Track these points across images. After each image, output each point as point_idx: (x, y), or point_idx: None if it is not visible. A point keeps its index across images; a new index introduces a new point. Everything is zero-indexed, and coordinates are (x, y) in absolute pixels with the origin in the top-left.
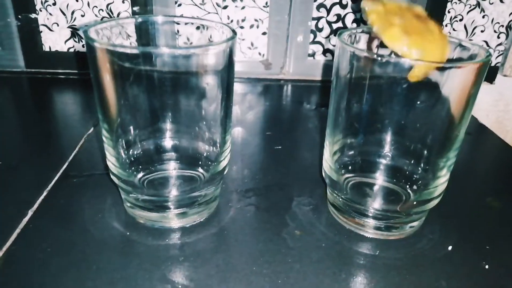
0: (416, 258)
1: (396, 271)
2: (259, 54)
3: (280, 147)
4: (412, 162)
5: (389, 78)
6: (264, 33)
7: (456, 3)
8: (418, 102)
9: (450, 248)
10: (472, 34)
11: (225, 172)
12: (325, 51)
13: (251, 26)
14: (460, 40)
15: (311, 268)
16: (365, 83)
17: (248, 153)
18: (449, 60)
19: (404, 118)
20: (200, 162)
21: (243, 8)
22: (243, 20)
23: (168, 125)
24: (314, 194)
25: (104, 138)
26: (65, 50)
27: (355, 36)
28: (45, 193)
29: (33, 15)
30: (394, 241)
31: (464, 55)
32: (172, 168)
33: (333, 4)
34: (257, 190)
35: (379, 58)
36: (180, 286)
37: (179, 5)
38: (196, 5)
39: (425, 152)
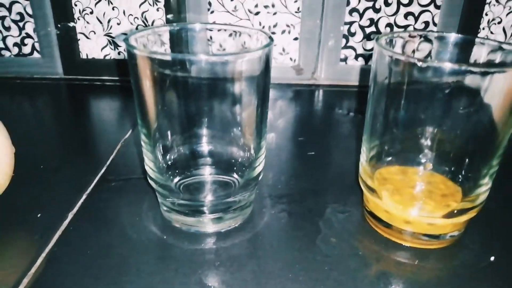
0: (456, 268)
1: (436, 281)
2: (291, 59)
3: (313, 153)
4: (452, 169)
5: (429, 83)
6: (295, 39)
7: (494, 5)
8: (461, 108)
9: (492, 258)
10: None
11: (259, 178)
12: (358, 56)
13: (283, 32)
14: (501, 43)
15: (348, 276)
16: (403, 88)
17: (281, 159)
18: (492, 64)
19: (445, 124)
20: (235, 168)
21: (275, 14)
22: (274, 26)
23: (204, 131)
24: (349, 201)
25: (142, 143)
26: (102, 57)
27: (393, 41)
28: (84, 196)
29: (71, 24)
30: (433, 250)
31: (507, 59)
32: (207, 173)
33: (366, 9)
34: (290, 196)
35: (419, 63)
36: None
37: (212, 12)
38: (228, 11)
39: (467, 159)
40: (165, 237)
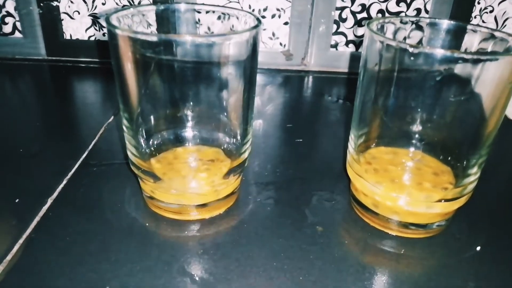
0: (442, 258)
1: (422, 270)
2: (280, 44)
3: (301, 140)
4: (441, 158)
5: (420, 70)
6: (286, 23)
7: None
8: (452, 96)
9: (478, 248)
10: (503, 26)
11: (245, 164)
12: (348, 42)
13: (273, 16)
14: (493, 30)
15: (333, 265)
16: (394, 75)
17: (268, 145)
18: (484, 52)
19: (435, 112)
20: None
21: None
22: (264, 10)
23: (189, 116)
24: (336, 189)
25: (124, 128)
26: (86, 38)
27: (384, 27)
28: (64, 182)
29: (54, 3)
30: (419, 239)
31: (499, 48)
32: (191, 160)
33: None
34: (277, 183)
35: (410, 49)
36: (199, 279)
37: None
38: None
39: (456, 149)
40: (147, 224)
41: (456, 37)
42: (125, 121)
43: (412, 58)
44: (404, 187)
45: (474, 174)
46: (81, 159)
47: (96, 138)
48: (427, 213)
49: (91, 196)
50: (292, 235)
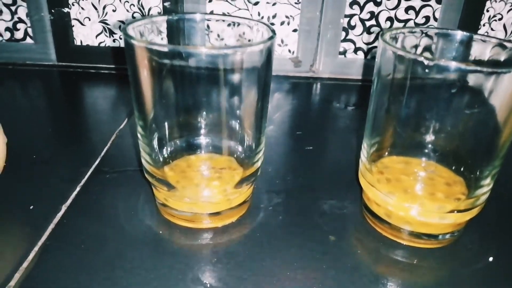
0: (455, 268)
1: (435, 281)
2: (289, 51)
3: (311, 147)
4: (453, 168)
5: (433, 80)
6: (295, 30)
7: (495, 1)
8: (465, 108)
9: (491, 259)
10: None
11: (258, 173)
12: (357, 49)
13: (282, 23)
14: (503, 40)
15: (346, 275)
16: (407, 85)
17: (278, 153)
18: (497, 64)
19: (448, 123)
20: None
21: (274, 4)
22: (273, 17)
23: (202, 124)
24: (347, 198)
25: (139, 135)
26: (96, 44)
27: (397, 37)
28: (78, 189)
29: (65, 10)
30: (432, 249)
31: (509, 57)
32: (205, 168)
33: (367, 1)
34: (288, 191)
35: (425, 61)
36: None
37: (210, 1)
38: (227, 1)
39: (469, 159)
40: (160, 232)
41: (466, 47)
42: (139, 129)
43: (426, 69)
44: (416, 197)
45: (487, 185)
46: (93, 166)
47: (108, 144)
48: (440, 224)
49: (105, 203)
50: (304, 244)
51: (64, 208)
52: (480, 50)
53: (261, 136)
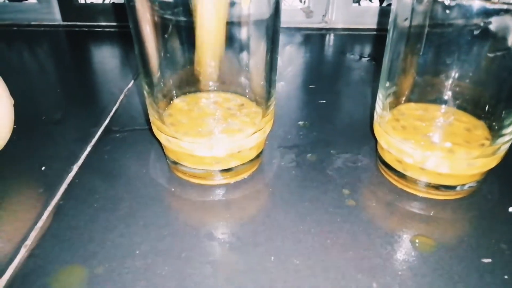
0: (474, 219)
1: (453, 233)
2: (300, 1)
3: (324, 101)
4: (474, 114)
5: (454, 23)
6: None
7: None
8: (488, 52)
9: (511, 209)
10: None
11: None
12: None
13: None
14: None
15: (361, 228)
16: (426, 29)
17: (291, 108)
18: None
19: (468, 68)
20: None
21: None
22: None
23: (209, 79)
24: (362, 151)
25: (145, 93)
26: (100, 1)
27: None
28: (89, 148)
29: None
30: (449, 201)
31: None
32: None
33: None
34: (301, 146)
35: (447, 1)
36: (227, 243)
37: None
38: None
39: (491, 108)
40: (173, 189)
41: None
42: (145, 86)
43: (446, 11)
44: (434, 144)
45: (509, 134)
46: (103, 126)
47: (117, 104)
48: (461, 174)
49: (116, 163)
50: (317, 198)
51: (76, 168)
52: None
53: (271, 89)
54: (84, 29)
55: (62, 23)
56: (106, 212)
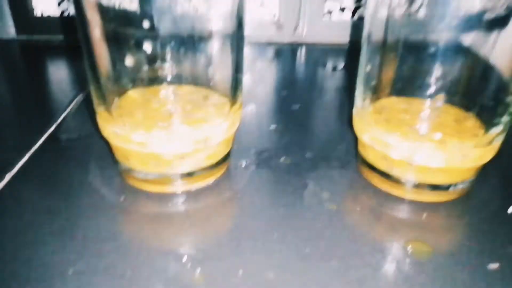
0: (472, 222)
1: (451, 237)
2: (270, 14)
3: (297, 106)
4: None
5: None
6: None
7: None
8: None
9: (510, 210)
10: None
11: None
12: (343, 9)
13: None
14: None
15: (345, 234)
16: (401, 41)
17: (262, 112)
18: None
19: (453, 60)
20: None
21: None
22: None
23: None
24: (340, 152)
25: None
26: (58, 14)
27: None
28: (27, 156)
29: None
30: (440, 204)
31: None
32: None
33: None
34: (274, 150)
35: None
36: (185, 258)
37: None
38: None
39: (479, 99)
40: (122, 198)
41: None
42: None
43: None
44: (421, 135)
45: (503, 124)
46: (47, 133)
47: (66, 112)
48: (454, 169)
49: (57, 171)
50: (293, 203)
51: (8, 177)
52: None
53: (238, 75)
54: (39, 42)
55: (16, 37)
56: (37, 225)
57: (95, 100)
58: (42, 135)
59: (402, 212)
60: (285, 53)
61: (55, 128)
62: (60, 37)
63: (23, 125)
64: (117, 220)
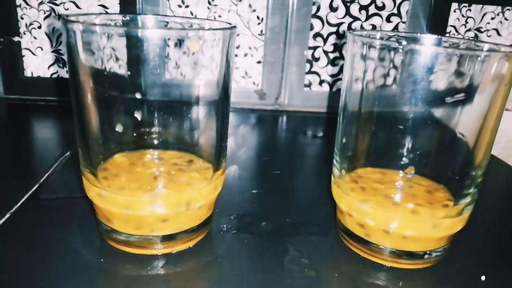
0: None
1: None
2: (253, 83)
3: (278, 172)
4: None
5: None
6: (258, 62)
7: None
8: (448, 99)
9: (483, 278)
10: None
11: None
12: (322, 82)
13: (245, 55)
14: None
15: None
16: (375, 114)
17: (244, 177)
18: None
19: (424, 136)
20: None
21: (237, 35)
22: (237, 48)
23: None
24: (320, 219)
25: (78, 141)
26: (48, 75)
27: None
28: (8, 215)
29: (16, 38)
30: (417, 271)
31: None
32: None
33: (330, 34)
34: (255, 215)
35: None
36: None
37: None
38: None
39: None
40: (102, 260)
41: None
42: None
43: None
44: (397, 205)
45: (471, 194)
46: (30, 192)
47: (50, 171)
48: (427, 236)
49: (37, 231)
50: (273, 269)
51: None
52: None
53: (222, 143)
54: (28, 102)
55: (4, 96)
56: (14, 285)
57: (82, 162)
58: (24, 194)
59: (380, 279)
60: (267, 119)
61: (38, 187)
62: (49, 97)
63: (6, 183)
64: (95, 282)
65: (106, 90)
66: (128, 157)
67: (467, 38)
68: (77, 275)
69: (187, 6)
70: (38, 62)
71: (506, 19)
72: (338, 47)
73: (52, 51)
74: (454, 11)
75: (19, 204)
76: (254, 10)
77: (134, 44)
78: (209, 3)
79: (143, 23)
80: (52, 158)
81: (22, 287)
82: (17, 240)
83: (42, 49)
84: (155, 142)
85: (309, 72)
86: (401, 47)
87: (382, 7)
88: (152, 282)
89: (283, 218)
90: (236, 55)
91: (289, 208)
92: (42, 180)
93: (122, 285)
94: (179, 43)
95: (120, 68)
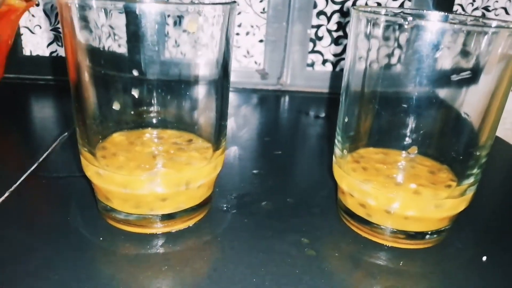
0: (448, 270)
1: (427, 284)
2: (255, 63)
3: (280, 152)
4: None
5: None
6: (260, 41)
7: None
8: (453, 76)
9: (484, 258)
10: None
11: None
12: (325, 61)
13: (247, 33)
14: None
15: (323, 280)
16: (378, 94)
17: (245, 157)
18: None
19: (428, 116)
20: None
21: (238, 13)
22: (238, 26)
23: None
24: (321, 199)
25: (75, 119)
26: (47, 54)
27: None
28: (6, 194)
29: None
30: (418, 251)
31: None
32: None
33: (334, 12)
34: (256, 194)
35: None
36: None
37: None
38: None
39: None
40: (101, 238)
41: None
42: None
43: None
44: (399, 185)
45: (475, 175)
46: (29, 171)
47: (49, 150)
48: (429, 217)
49: (36, 209)
50: (273, 248)
51: None
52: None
53: (222, 122)
54: (27, 82)
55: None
56: (11, 265)
57: (80, 141)
58: (23, 173)
59: (380, 259)
60: (269, 100)
61: (37, 166)
62: (48, 76)
63: (5, 162)
64: (95, 261)
65: (103, 68)
66: (126, 136)
67: (474, 16)
68: (76, 254)
69: None
70: (36, 41)
71: None
72: (342, 26)
73: (51, 30)
74: None
75: (18, 183)
76: None
77: (132, 20)
78: None
79: None
80: (51, 137)
81: (21, 266)
82: (16, 219)
83: (40, 27)
84: (154, 121)
85: (312, 51)
86: (407, 23)
87: None
88: (151, 260)
89: (284, 198)
90: (237, 34)
91: (290, 188)
92: (41, 159)
93: (122, 264)
94: (179, 20)
95: (119, 45)
